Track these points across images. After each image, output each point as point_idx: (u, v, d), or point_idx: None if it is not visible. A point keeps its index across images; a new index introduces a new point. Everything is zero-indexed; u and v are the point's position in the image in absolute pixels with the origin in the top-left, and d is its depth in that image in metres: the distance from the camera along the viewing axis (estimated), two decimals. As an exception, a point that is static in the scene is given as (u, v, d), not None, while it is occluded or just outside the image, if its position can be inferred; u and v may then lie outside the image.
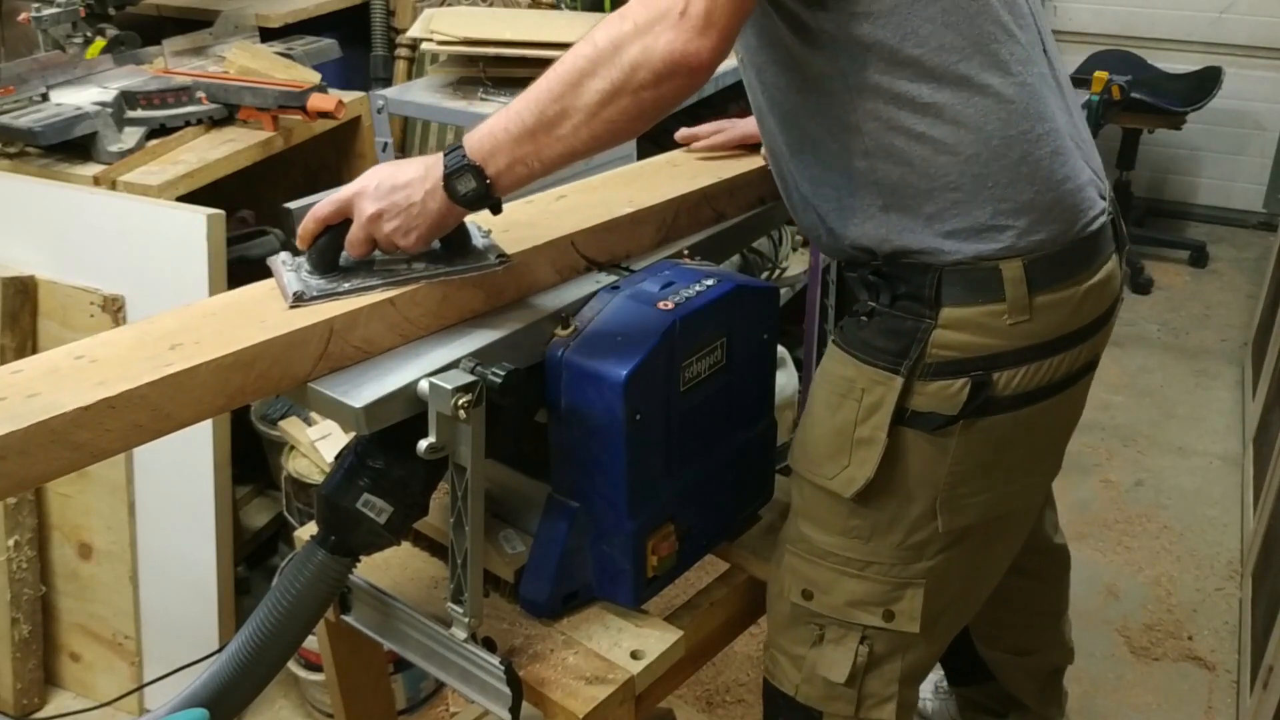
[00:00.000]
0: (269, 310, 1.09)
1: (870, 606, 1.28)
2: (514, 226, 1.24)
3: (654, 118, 1.10)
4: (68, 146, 1.93)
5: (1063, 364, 1.22)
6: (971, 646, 1.68)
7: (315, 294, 1.10)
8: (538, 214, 1.32)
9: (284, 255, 1.19)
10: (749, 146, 1.56)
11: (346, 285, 1.12)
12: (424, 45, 2.21)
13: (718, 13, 1.03)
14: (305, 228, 1.14)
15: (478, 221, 1.20)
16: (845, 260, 1.27)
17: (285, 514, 2.17)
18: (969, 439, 1.21)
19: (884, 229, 1.17)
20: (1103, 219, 1.22)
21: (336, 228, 1.13)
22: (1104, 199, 1.24)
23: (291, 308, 1.09)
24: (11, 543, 1.94)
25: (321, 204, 1.14)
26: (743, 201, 1.49)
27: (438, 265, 1.16)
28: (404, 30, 3.09)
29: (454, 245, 1.17)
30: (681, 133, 1.60)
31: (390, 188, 1.11)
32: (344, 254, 1.15)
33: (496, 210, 1.15)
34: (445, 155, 1.11)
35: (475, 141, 1.10)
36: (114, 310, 1.87)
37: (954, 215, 1.15)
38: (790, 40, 1.15)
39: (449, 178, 1.10)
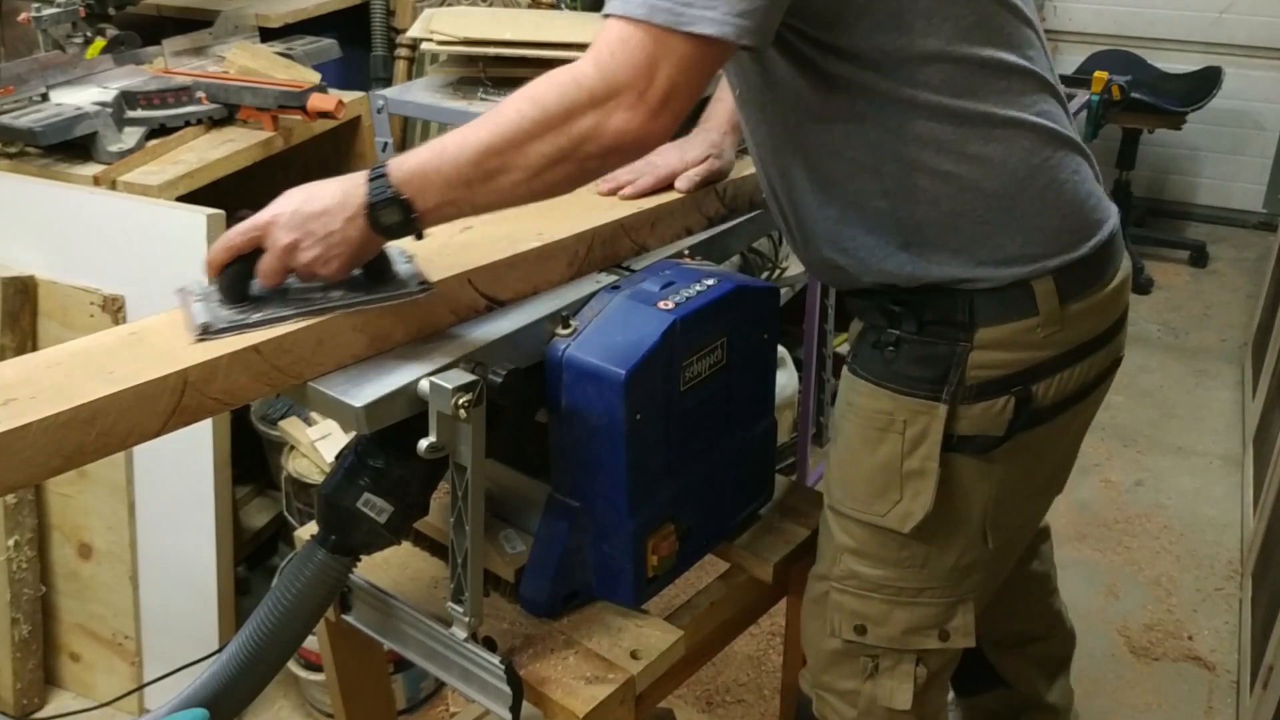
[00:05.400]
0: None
1: (926, 630, 1.27)
2: (411, 261, 1.16)
3: (593, 180, 1.09)
4: (68, 146, 1.92)
5: (1092, 368, 1.22)
6: (981, 653, 1.66)
7: (224, 325, 1.04)
8: (439, 248, 1.20)
9: (192, 284, 1.12)
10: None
11: (257, 316, 1.05)
12: (424, 45, 2.20)
13: (677, 95, 1.00)
14: (214, 255, 1.07)
15: (401, 245, 1.13)
16: (862, 290, 1.23)
17: (285, 514, 2.17)
18: (1013, 454, 1.20)
19: (909, 265, 1.16)
20: (1116, 220, 1.22)
21: (248, 256, 1.06)
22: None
23: (198, 340, 1.02)
24: (11, 543, 1.94)
25: (232, 232, 1.06)
26: (665, 233, 1.40)
27: (356, 293, 1.09)
28: (404, 30, 3.09)
29: (374, 272, 1.11)
30: (602, 187, 1.43)
31: (306, 215, 1.04)
32: (256, 282, 1.08)
33: (419, 236, 1.09)
34: (368, 181, 1.04)
35: (404, 175, 1.04)
36: (114, 310, 1.87)
37: (981, 246, 1.13)
38: (800, 84, 1.11)
39: (373, 208, 1.03)
